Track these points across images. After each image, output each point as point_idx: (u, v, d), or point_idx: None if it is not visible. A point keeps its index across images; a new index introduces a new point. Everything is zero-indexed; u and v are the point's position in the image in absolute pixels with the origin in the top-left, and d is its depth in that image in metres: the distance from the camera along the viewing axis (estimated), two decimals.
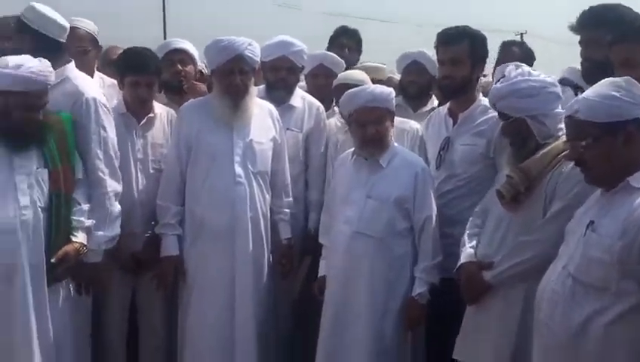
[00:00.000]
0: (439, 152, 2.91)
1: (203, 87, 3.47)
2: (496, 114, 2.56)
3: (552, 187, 2.26)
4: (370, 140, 2.73)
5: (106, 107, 2.75)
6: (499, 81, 2.42)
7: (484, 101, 2.94)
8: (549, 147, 2.31)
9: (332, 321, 2.76)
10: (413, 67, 3.61)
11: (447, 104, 3.06)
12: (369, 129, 2.71)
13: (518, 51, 3.79)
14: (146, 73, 3.00)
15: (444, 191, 2.89)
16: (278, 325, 3.18)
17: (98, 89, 2.87)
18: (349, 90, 2.83)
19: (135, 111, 3.06)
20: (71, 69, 2.78)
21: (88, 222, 2.61)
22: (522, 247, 2.30)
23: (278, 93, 3.32)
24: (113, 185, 2.74)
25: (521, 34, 22.33)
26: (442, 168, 2.91)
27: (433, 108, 3.49)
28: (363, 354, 2.69)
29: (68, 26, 2.81)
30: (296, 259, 3.27)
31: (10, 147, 2.46)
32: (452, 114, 2.98)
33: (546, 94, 2.32)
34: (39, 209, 2.47)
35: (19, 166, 2.46)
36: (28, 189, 2.45)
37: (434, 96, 3.71)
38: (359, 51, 4.18)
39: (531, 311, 2.10)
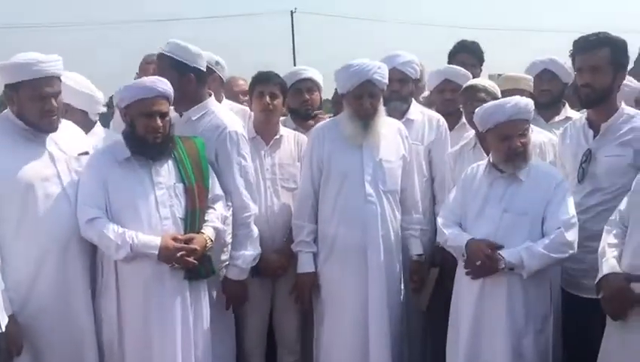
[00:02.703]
0: (581, 165, 2.73)
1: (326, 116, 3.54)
2: None
3: None
4: (515, 154, 2.61)
5: (245, 138, 2.88)
6: None
7: (627, 110, 2.74)
8: None
9: (468, 338, 2.63)
10: (545, 75, 3.43)
11: (584, 114, 2.88)
12: (515, 142, 2.60)
13: None
14: (270, 83, 3.13)
15: (589, 206, 2.70)
16: (409, 339, 3.13)
17: (238, 121, 2.97)
18: (490, 104, 2.72)
19: (263, 133, 3.17)
20: (212, 102, 2.90)
21: (218, 223, 2.68)
22: None
23: (394, 104, 3.29)
24: (255, 209, 2.86)
25: None
26: (586, 181, 2.72)
27: (568, 118, 3.31)
28: None
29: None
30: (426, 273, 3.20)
31: (147, 162, 2.57)
32: (592, 124, 2.79)
33: None
34: (178, 219, 2.58)
35: (158, 181, 2.58)
36: (167, 202, 2.57)
37: (567, 105, 3.51)
38: (481, 65, 3.99)
39: None
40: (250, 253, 2.82)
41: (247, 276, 2.85)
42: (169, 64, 2.76)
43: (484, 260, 2.56)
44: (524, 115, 2.64)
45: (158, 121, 2.54)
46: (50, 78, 2.51)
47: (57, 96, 2.55)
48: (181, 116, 2.86)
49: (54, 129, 2.57)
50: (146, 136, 2.54)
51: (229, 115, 2.93)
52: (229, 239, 2.84)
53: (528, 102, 2.68)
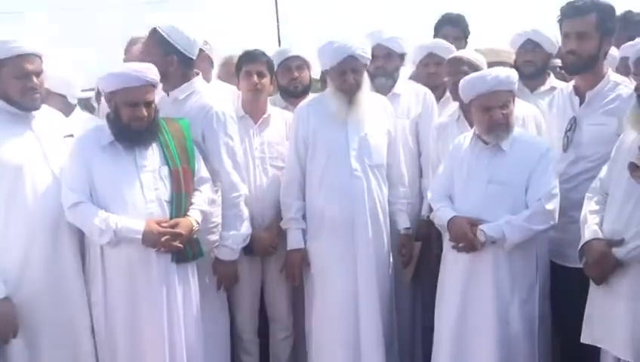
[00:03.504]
0: (565, 133, 2.70)
1: None
2: (628, 90, 2.33)
3: None
4: (497, 125, 2.59)
5: (233, 118, 2.83)
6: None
7: (614, 76, 2.69)
8: None
9: (455, 309, 2.64)
10: (528, 46, 3.37)
11: (571, 82, 2.83)
12: (496, 113, 2.58)
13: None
14: (257, 62, 3.10)
15: (573, 175, 2.67)
16: (397, 312, 3.14)
17: (225, 100, 2.93)
18: (471, 76, 2.69)
19: (251, 112, 3.14)
20: (199, 82, 2.84)
21: (204, 205, 2.66)
22: None
23: (379, 80, 3.28)
24: (244, 189, 2.84)
25: None
26: (570, 150, 2.70)
27: (553, 88, 3.26)
28: (490, 340, 2.58)
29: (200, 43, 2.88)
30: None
31: (130, 146, 2.54)
32: (578, 92, 2.74)
33: None
34: (164, 202, 2.56)
35: (142, 164, 2.55)
36: (152, 185, 2.54)
37: (552, 75, 3.46)
38: (466, 38, 3.90)
39: None
40: (240, 233, 2.80)
41: (237, 256, 2.84)
42: (156, 40, 2.72)
43: (464, 240, 2.56)
44: (505, 85, 2.60)
45: (143, 111, 2.50)
46: (30, 56, 2.50)
47: (39, 75, 2.53)
48: (168, 95, 2.82)
49: (37, 106, 2.56)
50: (129, 123, 2.51)
51: (216, 95, 2.88)
52: (218, 220, 2.82)
53: (510, 74, 2.63)
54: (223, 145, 2.76)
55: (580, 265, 2.38)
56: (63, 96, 3.03)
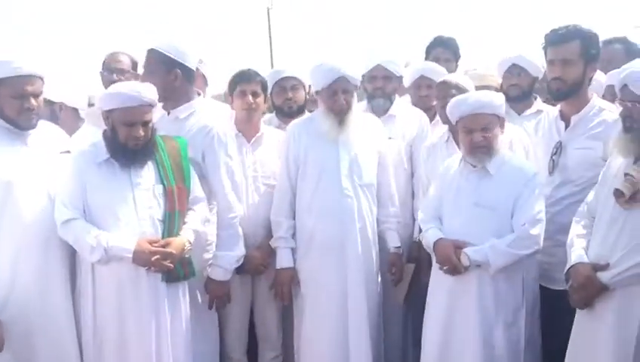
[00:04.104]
0: (551, 157, 2.73)
1: None
2: (613, 115, 2.37)
3: None
4: (477, 147, 2.62)
5: (232, 138, 2.87)
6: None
7: (598, 102, 2.73)
8: None
9: (440, 331, 2.65)
10: (513, 70, 3.44)
11: (557, 106, 2.87)
12: (476, 136, 2.61)
13: (621, 48, 3.52)
14: (251, 82, 3.12)
15: (559, 198, 2.70)
16: (387, 331, 3.14)
17: (225, 121, 2.97)
18: (456, 98, 2.73)
19: (245, 131, 3.16)
20: (200, 102, 2.88)
21: (198, 225, 2.66)
22: None
23: (377, 101, 3.31)
24: (240, 210, 2.86)
25: None
26: (556, 173, 2.72)
27: (539, 111, 3.31)
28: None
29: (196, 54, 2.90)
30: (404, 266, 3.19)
31: (126, 164, 2.55)
32: (563, 117, 2.78)
33: None
34: (157, 221, 2.56)
35: (137, 182, 2.55)
36: (146, 203, 2.55)
37: (538, 98, 3.51)
38: (456, 61, 3.97)
39: None
40: (234, 253, 2.81)
41: (230, 276, 2.85)
42: (157, 59, 2.74)
43: (448, 263, 2.57)
44: (487, 109, 2.61)
45: (140, 131, 2.52)
46: (31, 77, 2.51)
47: (38, 96, 2.55)
48: (169, 114, 2.84)
49: (32, 126, 2.57)
50: (126, 142, 2.53)
51: (216, 115, 2.91)
52: (213, 238, 2.82)
53: (492, 98, 2.66)
54: (223, 165, 2.79)
55: (566, 288, 2.39)
56: (76, 110, 3.08)
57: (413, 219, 3.25)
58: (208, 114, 2.84)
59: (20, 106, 2.50)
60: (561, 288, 2.53)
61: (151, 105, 2.58)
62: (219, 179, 2.78)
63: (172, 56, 2.73)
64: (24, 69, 2.50)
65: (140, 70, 3.09)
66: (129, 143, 2.53)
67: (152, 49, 2.77)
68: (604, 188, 2.34)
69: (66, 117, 2.87)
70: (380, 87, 3.31)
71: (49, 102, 3.02)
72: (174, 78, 2.74)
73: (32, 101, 2.52)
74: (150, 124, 2.58)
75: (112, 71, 3.43)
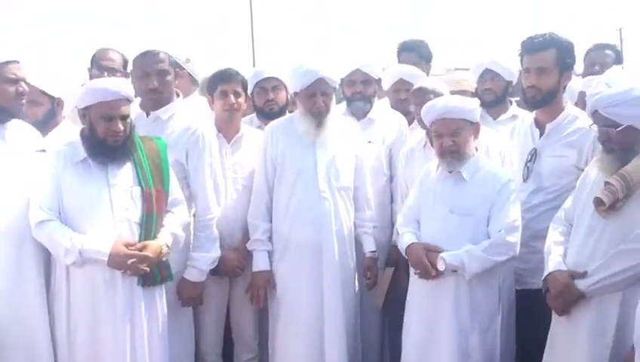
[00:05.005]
0: (526, 164, 2.76)
1: None
2: (585, 124, 2.41)
3: None
4: (446, 152, 2.62)
5: (214, 139, 2.87)
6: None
7: (573, 110, 2.76)
8: None
9: (419, 336, 2.67)
10: (486, 75, 3.49)
11: (533, 113, 2.89)
12: (445, 141, 2.61)
13: (612, 55, 3.59)
14: (232, 82, 3.08)
15: (533, 205, 2.72)
16: (365, 336, 3.14)
17: (207, 122, 2.96)
18: (427, 103, 2.74)
19: (225, 131, 3.12)
20: (180, 102, 2.86)
21: (176, 228, 2.64)
22: (622, 256, 2.16)
23: (357, 104, 3.32)
24: (217, 211, 2.85)
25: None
26: (530, 181, 2.75)
27: (515, 116, 3.34)
28: None
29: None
30: (380, 270, 3.20)
31: (104, 164, 2.52)
32: (538, 124, 2.81)
33: None
34: (134, 223, 2.53)
35: (114, 183, 2.52)
36: (123, 205, 2.51)
37: (514, 103, 3.54)
38: (427, 62, 3.98)
39: (629, 323, 1.96)
40: (209, 255, 2.80)
41: (205, 278, 2.83)
42: (170, 62, 2.80)
43: (420, 267, 2.59)
44: (455, 113, 2.61)
45: (119, 125, 2.48)
46: (14, 62, 2.49)
47: (24, 81, 2.53)
48: (147, 116, 2.82)
49: (23, 113, 2.57)
50: (106, 138, 2.49)
51: (198, 116, 2.90)
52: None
53: (461, 102, 2.66)
54: (207, 165, 2.79)
55: (539, 286, 2.42)
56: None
57: (392, 223, 3.25)
58: (190, 115, 2.83)
59: (14, 91, 2.49)
60: (534, 287, 2.55)
61: (128, 100, 2.55)
62: (202, 180, 2.78)
63: (176, 59, 2.80)
64: (7, 55, 2.49)
65: (130, 69, 3.08)
66: (108, 139, 2.49)
67: (166, 53, 2.80)
68: (582, 196, 2.37)
69: (65, 114, 2.88)
70: (360, 91, 3.31)
71: (50, 98, 2.99)
72: (177, 76, 2.81)
73: (24, 85, 2.51)
74: (128, 120, 2.55)
75: (102, 69, 3.35)
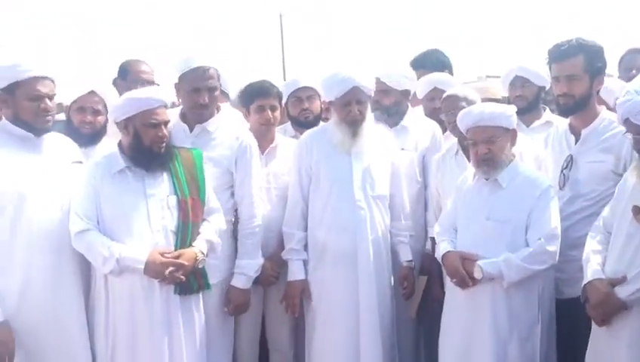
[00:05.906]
0: (562, 171, 2.71)
1: None
2: (621, 128, 2.37)
3: None
4: (481, 160, 2.61)
5: (256, 149, 2.95)
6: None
7: (608, 115, 2.71)
8: None
9: (457, 346, 2.64)
10: (517, 82, 3.44)
11: (567, 119, 2.84)
12: (480, 148, 2.60)
13: None
14: (270, 96, 3.11)
15: (569, 213, 2.67)
16: (400, 345, 3.12)
17: (249, 133, 3.03)
18: (463, 110, 2.73)
19: (259, 142, 3.11)
20: (224, 115, 2.94)
21: (212, 236, 2.67)
22: None
23: (374, 113, 3.26)
24: (260, 219, 2.91)
25: None
26: (567, 188, 2.70)
27: (549, 122, 3.28)
28: None
29: None
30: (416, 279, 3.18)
31: (141, 174, 2.57)
32: (573, 130, 2.76)
33: None
34: (170, 232, 2.57)
35: (151, 193, 2.57)
36: (159, 214, 2.56)
37: (547, 109, 3.48)
38: (448, 71, 3.87)
39: None
40: (256, 261, 2.86)
41: (251, 285, 2.88)
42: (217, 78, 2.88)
43: (456, 276, 2.56)
44: (490, 121, 2.59)
45: (164, 130, 2.58)
46: (43, 79, 2.54)
47: (52, 98, 2.57)
48: (191, 130, 2.86)
49: (48, 129, 2.59)
50: (152, 146, 2.56)
51: (241, 126, 3.00)
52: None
53: (496, 109, 2.63)
54: (254, 175, 2.87)
55: (576, 295, 2.38)
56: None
57: (425, 231, 3.24)
58: (234, 126, 2.93)
59: (37, 108, 2.52)
60: (571, 296, 2.50)
61: (166, 106, 2.64)
62: (249, 188, 2.85)
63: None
64: (35, 71, 2.53)
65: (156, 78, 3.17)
66: (154, 147, 2.56)
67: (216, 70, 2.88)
68: (621, 203, 2.33)
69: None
70: (377, 100, 3.28)
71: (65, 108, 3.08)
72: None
73: (48, 102, 2.55)
74: (169, 125, 2.65)
75: (139, 82, 3.48)
